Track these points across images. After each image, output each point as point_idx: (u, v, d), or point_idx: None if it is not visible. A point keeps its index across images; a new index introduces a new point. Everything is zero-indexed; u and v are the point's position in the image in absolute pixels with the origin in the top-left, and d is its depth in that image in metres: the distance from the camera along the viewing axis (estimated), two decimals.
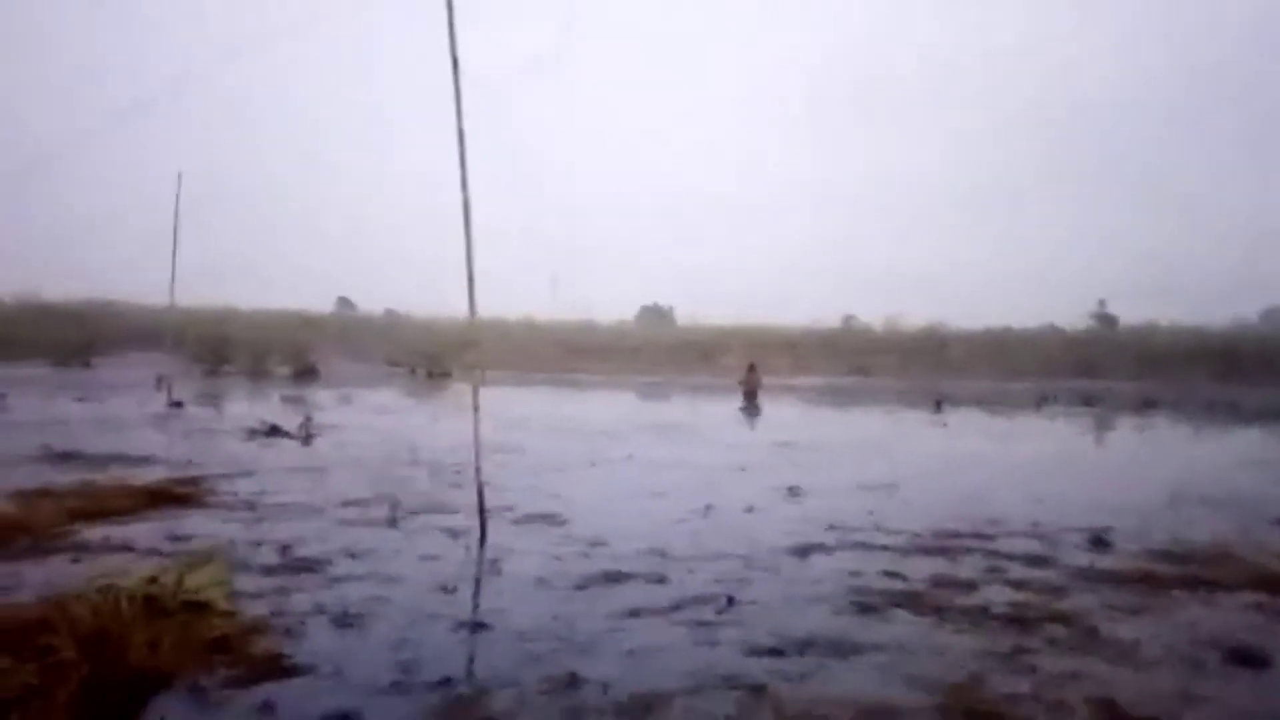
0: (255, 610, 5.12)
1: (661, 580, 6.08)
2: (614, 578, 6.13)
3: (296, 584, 5.80)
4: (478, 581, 6.13)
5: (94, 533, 7.10)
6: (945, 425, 20.04)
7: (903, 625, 5.19)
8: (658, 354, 59.54)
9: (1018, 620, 5.28)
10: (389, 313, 65.45)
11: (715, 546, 7.13)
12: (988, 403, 29.92)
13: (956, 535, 7.70)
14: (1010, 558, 6.92)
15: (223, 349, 37.07)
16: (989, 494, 9.93)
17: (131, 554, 6.42)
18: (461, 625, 5.08)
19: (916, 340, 60.18)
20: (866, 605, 5.56)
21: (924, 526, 8.00)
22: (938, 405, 25.10)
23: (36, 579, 5.68)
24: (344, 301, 69.87)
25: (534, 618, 5.19)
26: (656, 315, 74.42)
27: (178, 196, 20.05)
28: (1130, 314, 61.25)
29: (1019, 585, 6.10)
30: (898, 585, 6.04)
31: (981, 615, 5.38)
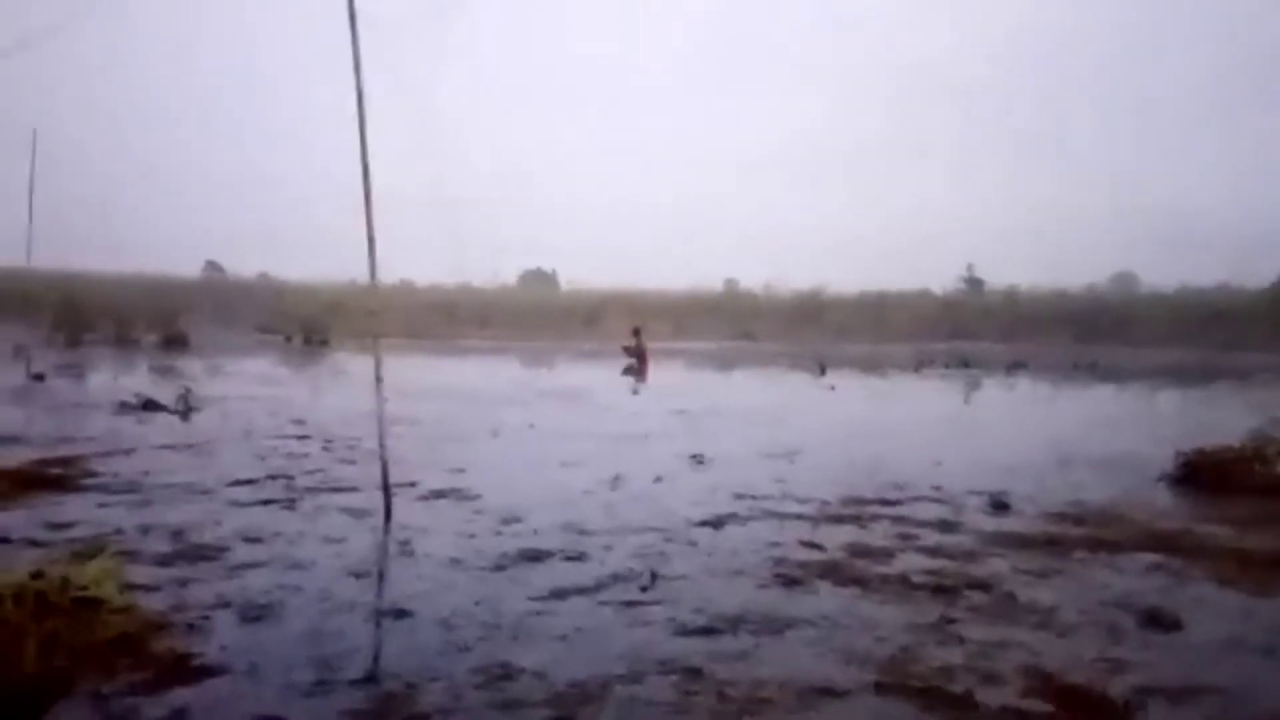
0: (153, 604, 4.77)
1: (581, 557, 5.95)
2: (532, 556, 5.97)
3: (195, 574, 5.45)
4: (389, 565, 5.86)
5: None
6: (833, 389, 20.42)
7: (828, 598, 5.18)
8: (541, 319, 59.08)
9: (938, 589, 5.34)
10: (262, 276, 62.99)
11: (630, 519, 7.03)
12: (869, 366, 30.65)
13: (864, 501, 7.80)
14: (919, 524, 7.03)
15: (83, 316, 34.94)
16: (887, 459, 10.11)
17: (6, 546, 5.93)
18: (379, 613, 4.84)
19: (797, 304, 61.21)
20: (790, 578, 5.54)
21: (831, 494, 8.08)
22: (821, 369, 25.58)
23: None
24: (212, 265, 66.96)
25: (454, 602, 5.00)
26: (539, 279, 73.63)
27: (33, 153, 18.67)
28: (996, 278, 63.62)
29: (933, 552, 6.20)
30: (816, 555, 6.06)
31: (902, 585, 5.42)
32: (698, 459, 9.87)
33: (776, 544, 6.34)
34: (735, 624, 4.69)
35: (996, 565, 5.88)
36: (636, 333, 27.38)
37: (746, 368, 30.17)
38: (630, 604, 5.02)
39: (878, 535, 6.65)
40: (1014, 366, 28.69)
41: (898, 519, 7.17)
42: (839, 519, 7.16)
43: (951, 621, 4.77)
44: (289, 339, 40.23)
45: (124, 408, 13.57)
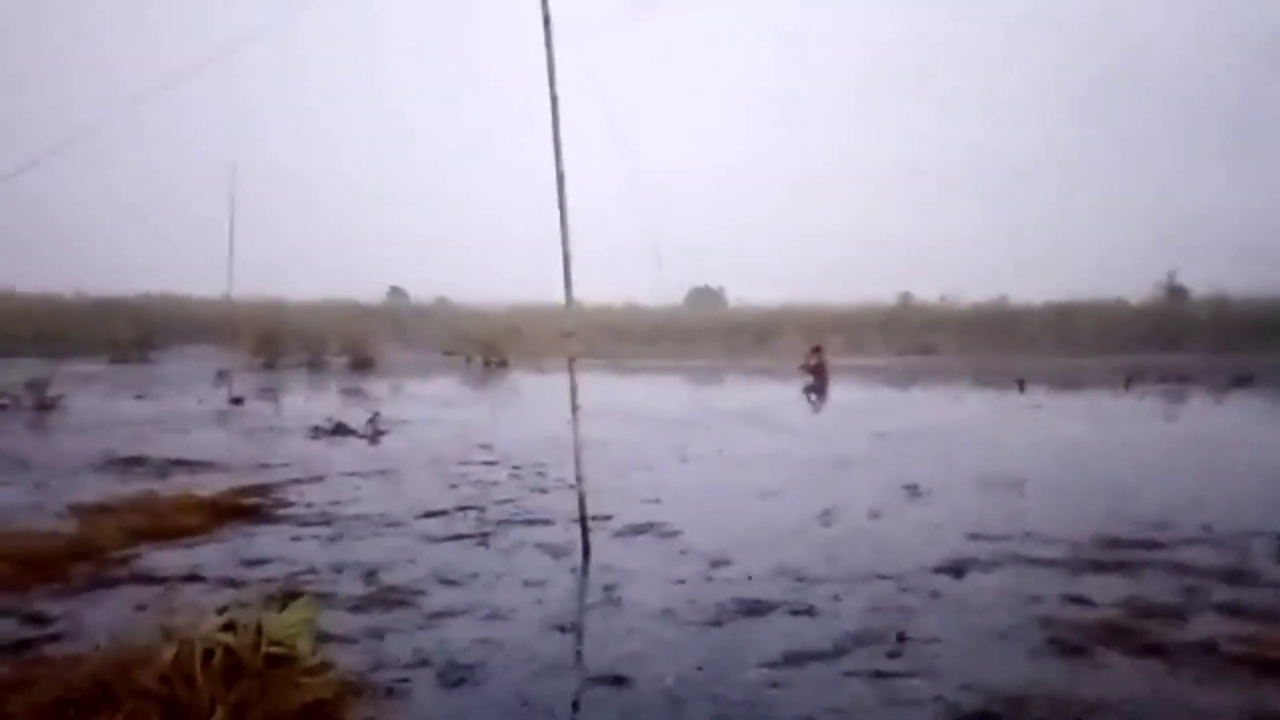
0: (349, 661, 4.33)
1: (810, 612, 5.21)
2: (752, 608, 5.27)
3: (390, 622, 5.02)
4: (596, 615, 5.27)
5: (159, 557, 6.39)
6: (1039, 408, 18.88)
7: (1125, 673, 4.26)
8: (710, 337, 58.47)
9: (1260, 664, 4.32)
10: (441, 300, 65.03)
11: (853, 563, 6.25)
12: (1066, 381, 28.56)
13: (1123, 544, 6.74)
14: (1201, 573, 5.95)
15: (279, 341, 36.66)
16: (1130, 490, 8.93)
17: (202, 585, 5.69)
18: (594, 680, 4.23)
19: (978, 316, 58.40)
20: (1065, 643, 4.64)
21: (1079, 533, 7.04)
22: (1020, 386, 23.89)
23: (96, 620, 4.95)
24: (396, 290, 69.61)
25: (674, 666, 4.35)
26: (707, 296, 73.02)
27: (232, 186, 19.44)
28: (1198, 285, 58.89)
29: (1234, 612, 5.15)
30: (1089, 614, 5.11)
31: (1212, 657, 4.44)
32: (912, 489, 8.96)
33: (1036, 598, 5.42)
34: (1018, 707, 3.85)
35: None
36: (817, 350, 26.32)
37: (929, 384, 28.63)
38: (881, 675, 4.24)
39: (1156, 588, 5.62)
40: (1239, 381, 26.02)
41: (1173, 567, 6.10)
42: (1101, 566, 6.14)
43: None
44: (469, 360, 41.02)
45: (317, 432, 13.71)
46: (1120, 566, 6.12)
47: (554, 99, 6.54)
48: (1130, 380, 26.17)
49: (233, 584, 5.71)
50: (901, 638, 4.71)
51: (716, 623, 5.03)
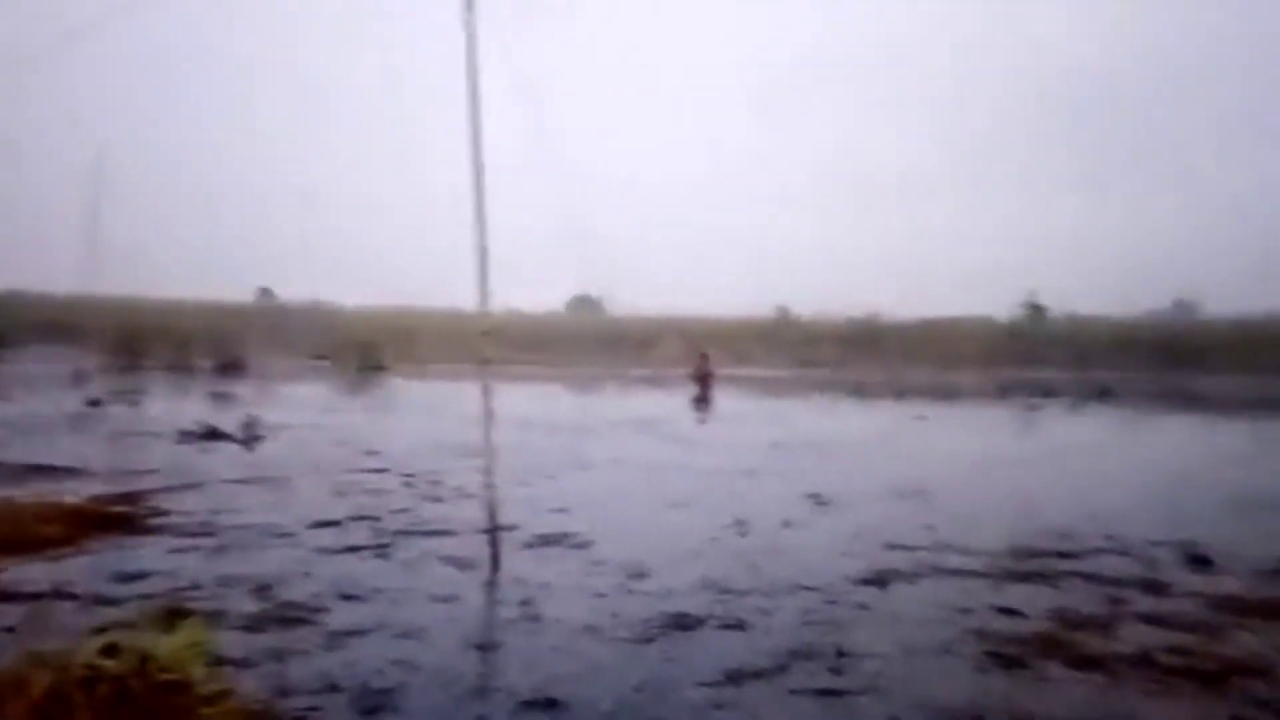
0: (248, 686, 3.89)
1: (740, 626, 4.99)
2: (680, 622, 5.02)
3: (291, 643, 4.58)
4: (515, 633, 4.91)
5: (21, 572, 5.75)
6: (925, 419, 19.27)
7: (1070, 687, 4.17)
8: (592, 345, 58.24)
9: (1202, 677, 4.29)
10: (314, 302, 62.92)
11: (775, 575, 6.07)
12: (942, 394, 29.38)
13: (1037, 554, 6.75)
14: (1117, 583, 5.98)
15: (140, 341, 34.67)
16: (1030, 500, 9.04)
17: (74, 603, 5.11)
18: (525, 704, 3.90)
19: (854, 330, 59.84)
20: (1007, 657, 4.53)
21: (992, 543, 7.04)
22: (900, 396, 24.43)
23: None
24: (265, 291, 67.05)
25: (609, 688, 4.06)
26: (587, 305, 72.73)
27: (97, 177, 18.19)
28: (1056, 304, 61.73)
29: (1158, 622, 5.16)
30: (1022, 626, 5.04)
31: (1151, 669, 4.39)
32: (817, 499, 8.87)
33: (965, 609, 5.33)
34: None
35: (1250, 642, 4.82)
36: (704, 358, 26.32)
37: (810, 396, 29.02)
38: (828, 694, 4.04)
39: (1078, 598, 5.61)
40: (1102, 394, 27.24)
41: (1088, 577, 6.12)
42: (1021, 576, 6.11)
43: None
44: (343, 364, 39.76)
45: (186, 436, 12.87)
46: (1039, 577, 6.10)
47: (473, 90, 6.18)
48: (1002, 393, 27.13)
49: (108, 602, 5.17)
50: (840, 653, 4.53)
51: (646, 639, 4.75)
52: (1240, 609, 5.40)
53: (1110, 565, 6.45)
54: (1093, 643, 4.75)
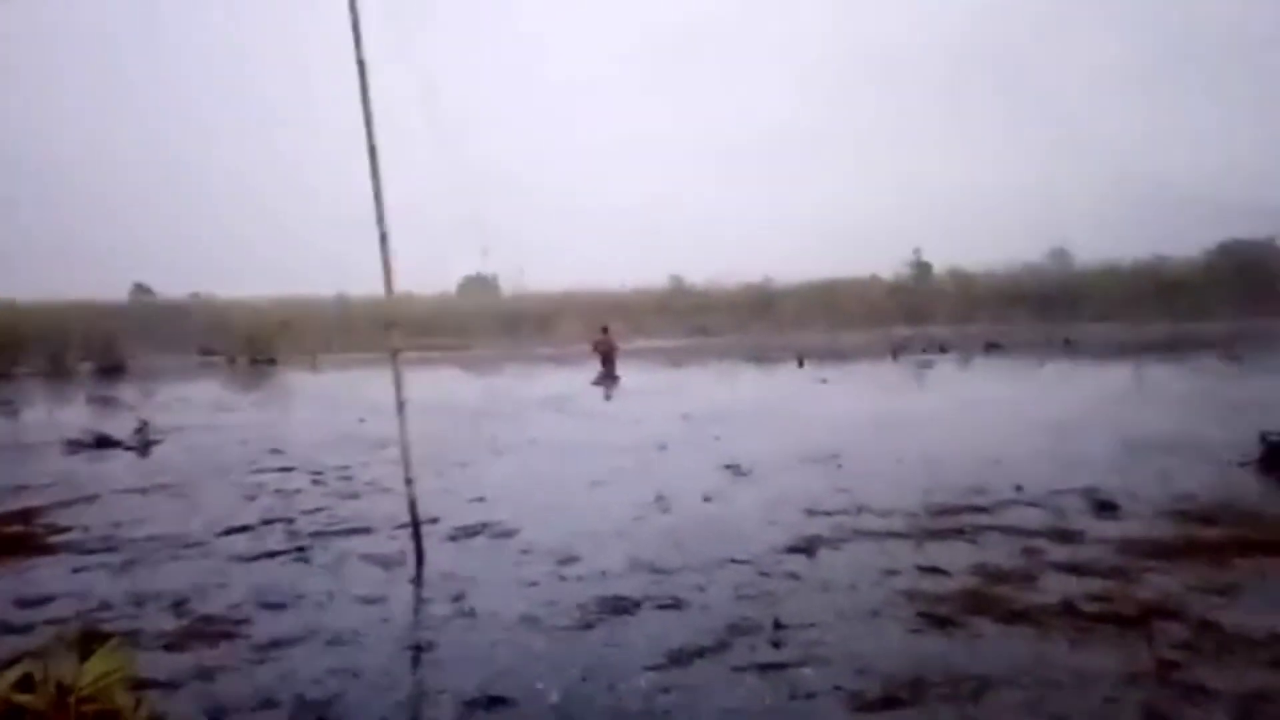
0: (178, 709, 3.74)
1: (677, 605, 5.00)
2: (616, 606, 5.01)
3: (216, 659, 4.41)
4: (451, 630, 4.81)
5: None
6: (825, 382, 19.63)
7: (1002, 642, 4.29)
8: (488, 325, 57.62)
9: (1122, 622, 4.47)
10: (194, 296, 60.58)
11: (702, 550, 6.10)
12: (839, 355, 30.03)
13: (952, 510, 6.95)
14: (1030, 534, 6.20)
15: (13, 347, 32.92)
16: (936, 457, 9.30)
17: None
18: (470, 704, 3.83)
19: (746, 297, 60.55)
20: (938, 617, 4.64)
21: (908, 503, 7.22)
22: (800, 361, 24.83)
23: None
24: (141, 287, 64.23)
25: (554, 679, 4.02)
26: (480, 285, 71.65)
27: None
28: (939, 260, 63.57)
29: (1074, 570, 5.36)
30: (947, 584, 5.17)
31: (1075, 618, 4.55)
32: (735, 469, 8.96)
33: (892, 571, 5.44)
34: (917, 690, 3.78)
35: (1162, 583, 5.04)
36: (605, 331, 26.24)
37: (710, 364, 29.32)
38: (771, 668, 4.07)
39: (996, 552, 5.78)
40: (990, 347, 28.21)
41: (1004, 530, 6.32)
42: (939, 534, 6.28)
43: (1175, 667, 3.90)
44: (233, 360, 38.49)
45: (75, 446, 12.27)
46: (957, 533, 6.27)
47: (361, 64, 5.97)
48: (896, 351, 27.85)
49: (14, 630, 4.89)
50: (778, 625, 4.58)
51: (585, 625, 4.72)
52: (1148, 551, 5.65)
53: (1022, 516, 6.68)
54: (1017, 596, 4.91)
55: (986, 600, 4.85)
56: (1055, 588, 5.01)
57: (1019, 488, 7.60)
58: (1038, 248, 63.32)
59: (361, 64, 5.92)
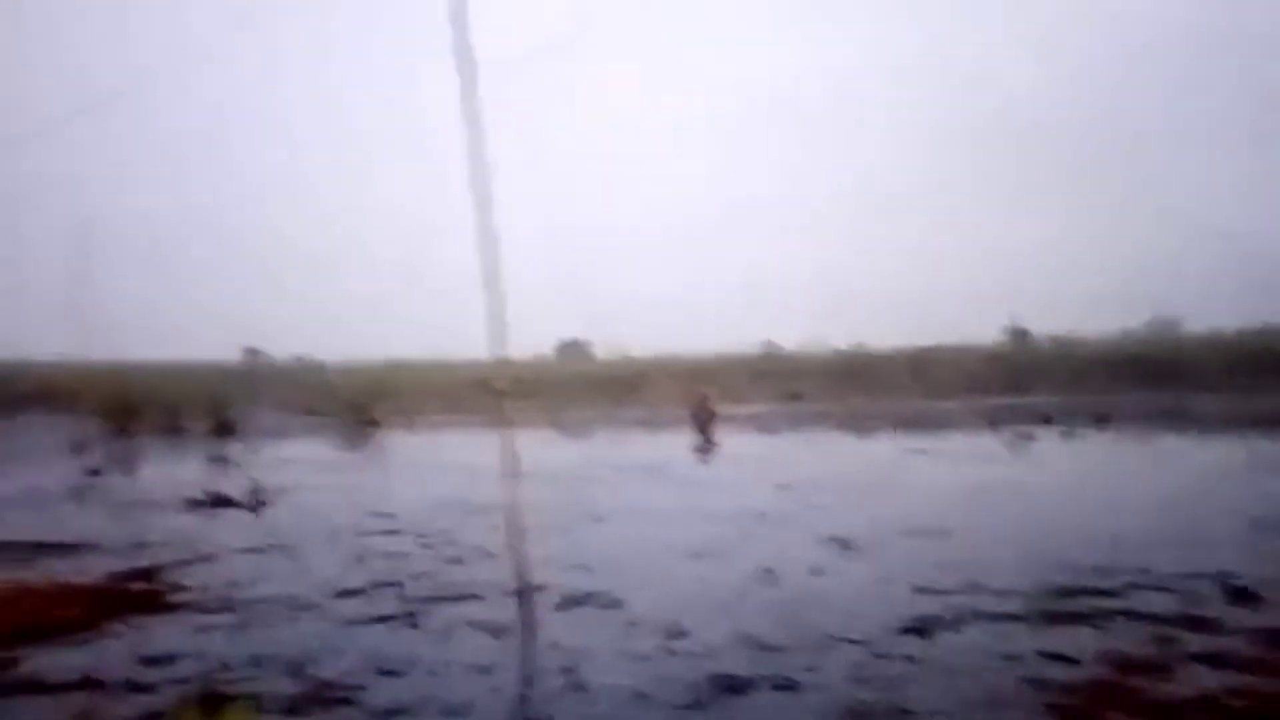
0: None
1: (791, 686, 4.90)
2: (728, 685, 4.93)
3: None
4: (564, 704, 4.79)
5: (45, 660, 5.61)
6: (924, 452, 19.22)
7: None
8: (582, 389, 58.14)
9: (1266, 718, 4.23)
10: (300, 359, 62.68)
11: (813, 627, 5.98)
12: (935, 425, 29.43)
13: (1073, 592, 6.69)
14: (1162, 621, 5.92)
15: (132, 407, 34.37)
16: (1049, 532, 9.03)
17: (105, 691, 4.99)
18: None
19: (840, 362, 59.95)
20: (1068, 709, 4.45)
21: (1025, 582, 6.98)
22: (896, 430, 24.41)
23: None
24: (251, 350, 66.75)
25: None
26: (575, 349, 72.59)
27: (84, 242, 18.08)
28: (1037, 326, 61.96)
29: (1214, 661, 5.08)
30: (1075, 673, 4.97)
31: (1215, 713, 4.33)
32: (841, 543, 8.80)
33: (1014, 656, 5.26)
34: None
35: None
36: (705, 398, 26.18)
37: (803, 431, 29.00)
38: None
39: (1126, 639, 5.54)
40: (1099, 420, 27.28)
41: (1130, 615, 6.07)
42: (1062, 618, 6.05)
43: None
44: (336, 421, 39.51)
45: (192, 504, 12.71)
46: (1081, 618, 6.03)
47: (475, 137, 6.18)
48: (995, 421, 27.15)
49: (139, 688, 5.05)
50: (901, 711, 4.45)
51: (698, 705, 4.66)
52: None
53: (1149, 601, 6.40)
54: (1152, 688, 4.69)
55: (1120, 692, 4.64)
56: (1193, 680, 4.77)
57: (1144, 570, 7.30)
58: (1140, 314, 61.37)
59: (475, 140, 6.12)
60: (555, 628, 6.18)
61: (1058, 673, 4.96)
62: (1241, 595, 6.46)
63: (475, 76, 6.15)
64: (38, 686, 5.12)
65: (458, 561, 8.52)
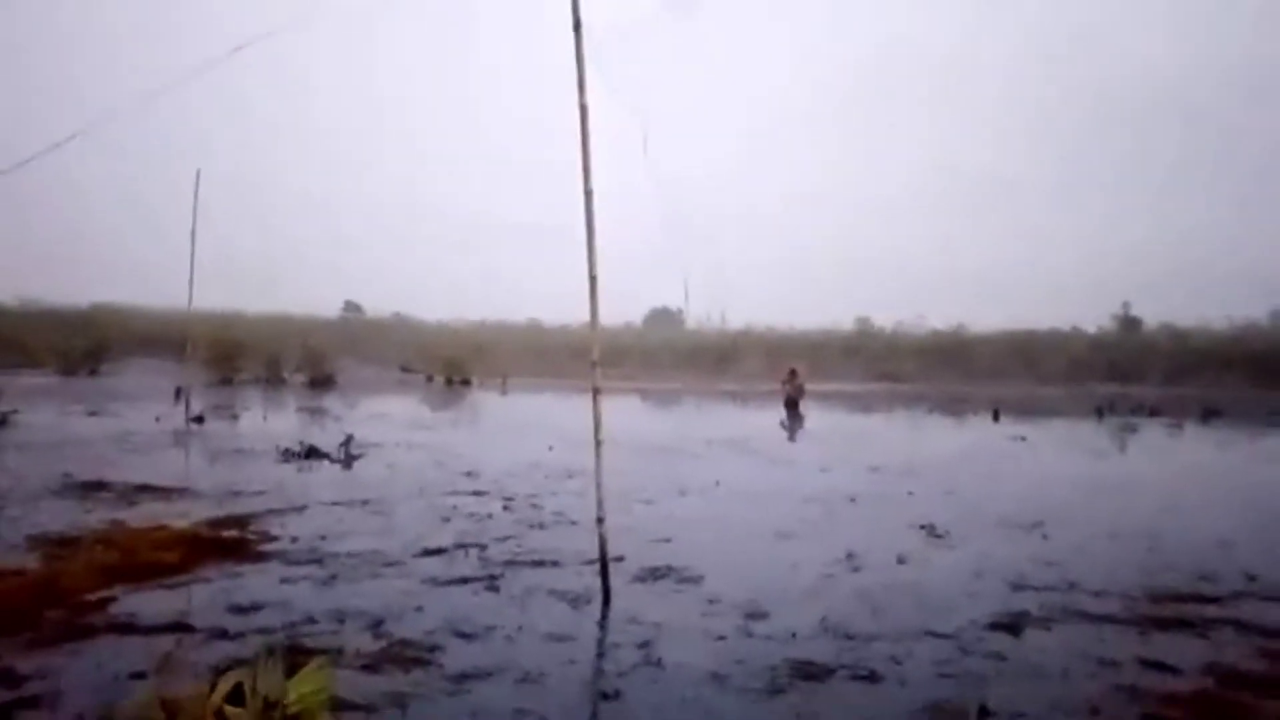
0: None
1: (872, 677, 4.74)
2: (808, 672, 4.80)
3: (410, 686, 4.49)
4: (637, 679, 4.73)
5: (137, 601, 5.78)
6: (1024, 439, 18.63)
7: None
8: (672, 359, 58.13)
9: None
10: (398, 316, 63.99)
11: (898, 617, 5.81)
12: (1037, 411, 28.56)
13: (1177, 598, 6.37)
14: (1270, 633, 5.58)
15: (236, 356, 35.62)
16: (1153, 532, 8.63)
17: (193, 636, 5.11)
18: None
19: (937, 344, 58.67)
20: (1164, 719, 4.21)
21: (1125, 584, 6.67)
22: (995, 415, 23.75)
23: (76, 681, 4.37)
24: (351, 305, 68.37)
25: None
26: (665, 318, 72.27)
27: (196, 196, 18.60)
28: (1150, 315, 59.66)
29: None
30: (1176, 684, 4.70)
31: None
32: (930, 530, 8.56)
33: (1110, 662, 5.01)
34: None
35: None
36: (793, 373, 25.94)
37: (898, 411, 28.46)
38: None
39: (1232, 651, 5.24)
40: (1209, 414, 26.14)
41: (1237, 625, 5.74)
42: (1163, 623, 5.76)
43: None
44: (431, 378, 40.27)
45: (287, 455, 13.04)
46: (1184, 625, 5.73)
47: (583, 109, 6.08)
48: (1100, 410, 26.22)
49: (226, 635, 5.15)
50: (985, 712, 4.27)
51: (776, 690, 4.55)
52: None
53: (1259, 612, 6.05)
54: (1258, 705, 4.41)
55: (1223, 707, 4.38)
56: None
57: (1252, 578, 6.91)
58: (1260, 306, 58.47)
59: (584, 108, 6.02)
60: (634, 600, 6.13)
61: (1157, 682, 4.70)
62: None
63: (582, 42, 6.03)
64: (128, 627, 5.26)
65: (540, 527, 8.53)
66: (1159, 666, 4.95)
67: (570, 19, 6.07)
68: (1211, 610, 6.05)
